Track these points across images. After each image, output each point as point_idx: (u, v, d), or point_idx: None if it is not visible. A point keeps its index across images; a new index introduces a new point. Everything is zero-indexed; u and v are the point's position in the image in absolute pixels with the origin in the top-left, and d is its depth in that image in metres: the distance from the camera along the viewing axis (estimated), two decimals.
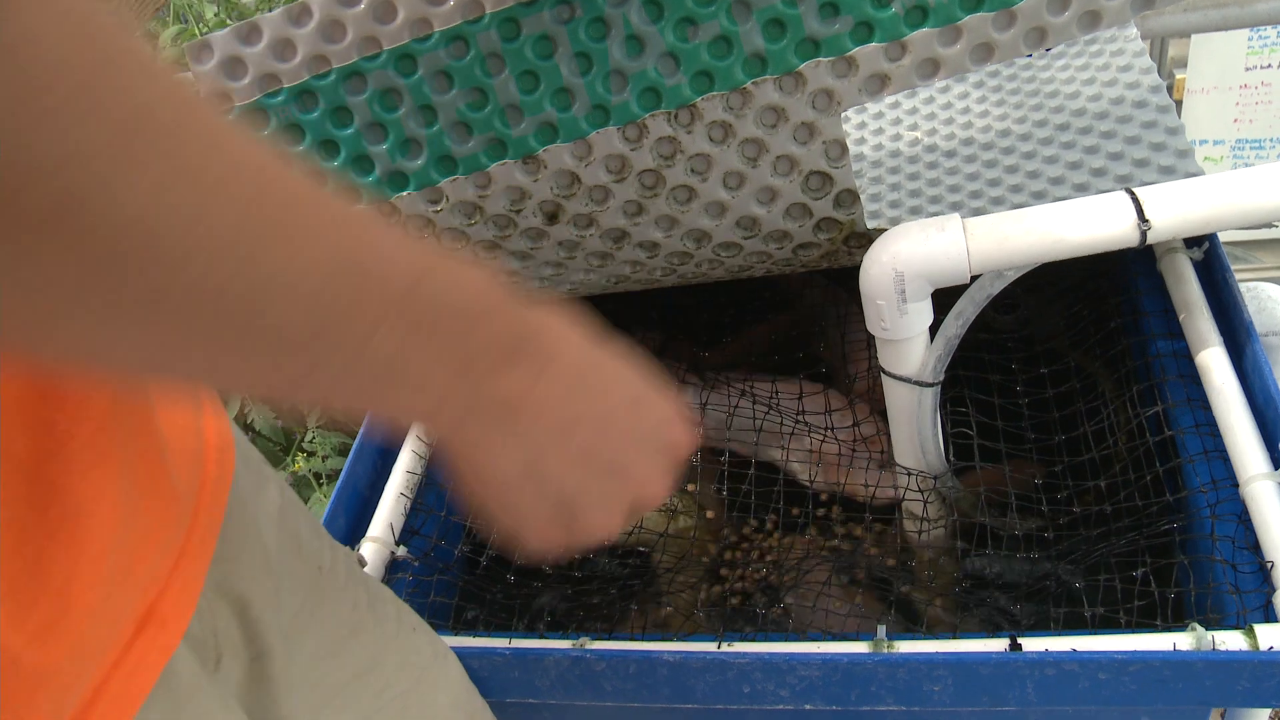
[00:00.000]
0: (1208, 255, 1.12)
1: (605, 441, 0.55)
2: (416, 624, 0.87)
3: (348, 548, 0.89)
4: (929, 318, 0.93)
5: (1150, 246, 1.13)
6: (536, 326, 0.53)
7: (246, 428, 1.80)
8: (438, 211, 0.99)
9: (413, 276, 0.45)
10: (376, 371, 0.44)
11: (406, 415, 0.52)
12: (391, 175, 0.97)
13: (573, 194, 0.98)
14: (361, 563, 1.01)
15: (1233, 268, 1.08)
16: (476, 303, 0.49)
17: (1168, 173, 1.01)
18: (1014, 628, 0.96)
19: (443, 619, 1.05)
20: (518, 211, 1.00)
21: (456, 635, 0.99)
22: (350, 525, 1.10)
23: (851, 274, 0.94)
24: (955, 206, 1.06)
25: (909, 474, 1.04)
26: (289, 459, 1.78)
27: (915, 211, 1.01)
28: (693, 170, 0.96)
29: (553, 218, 1.00)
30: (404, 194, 0.98)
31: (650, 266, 1.07)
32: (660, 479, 0.59)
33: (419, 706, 0.84)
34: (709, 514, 1.15)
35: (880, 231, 1.00)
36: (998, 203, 1.06)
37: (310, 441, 1.77)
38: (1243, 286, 1.10)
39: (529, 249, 1.04)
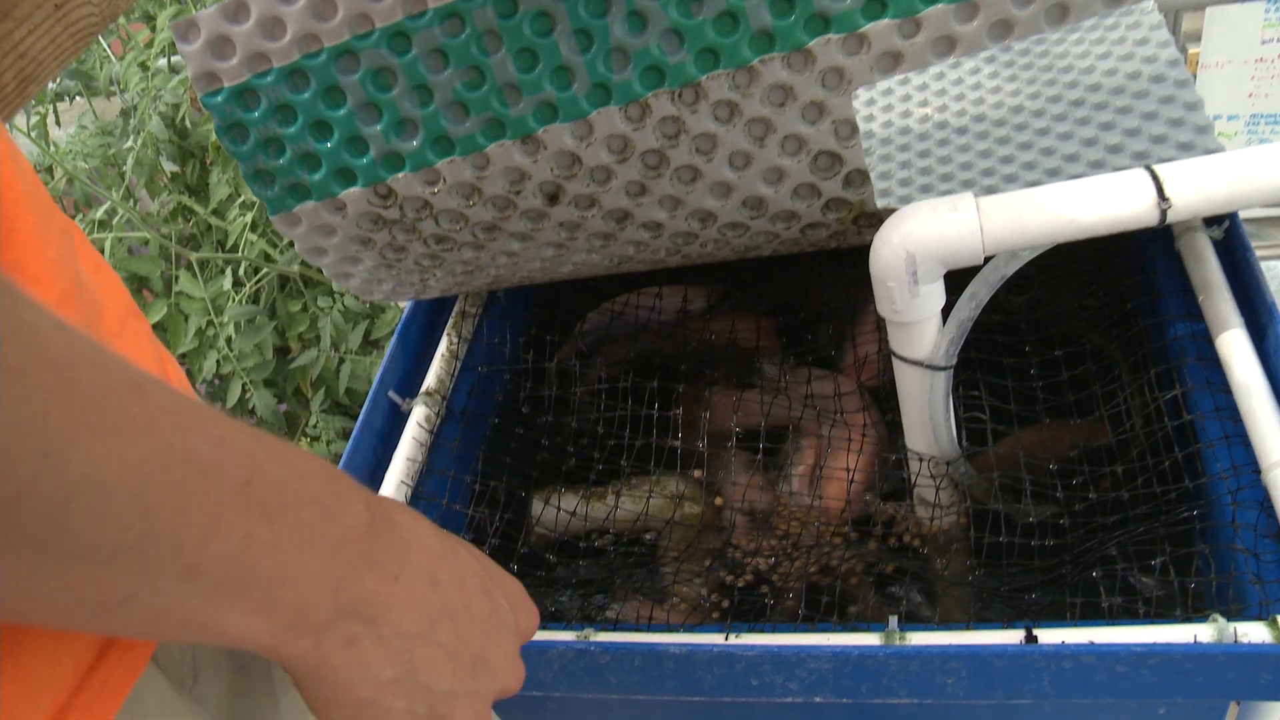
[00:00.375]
0: (1228, 234, 1.09)
1: (468, 635, 0.51)
2: None
3: None
4: (941, 300, 0.90)
5: (1168, 226, 1.09)
6: (387, 514, 0.49)
7: (248, 413, 1.78)
8: (435, 193, 0.97)
9: (251, 466, 0.40)
10: (221, 577, 0.38)
11: (262, 628, 0.42)
12: (387, 157, 0.94)
13: (574, 175, 0.95)
14: None
15: (1256, 244, 1.05)
16: (327, 489, 0.44)
17: (1186, 149, 0.98)
18: (1029, 618, 0.93)
19: None
20: (517, 193, 0.97)
21: None
22: None
23: (861, 254, 0.91)
24: (967, 185, 1.03)
25: (921, 459, 1.01)
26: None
27: (926, 190, 0.98)
28: (697, 150, 0.93)
29: (553, 199, 0.98)
30: (400, 176, 0.95)
31: (654, 247, 1.04)
32: (518, 667, 0.56)
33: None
34: (717, 501, 1.12)
35: (890, 211, 0.97)
36: (1011, 181, 1.03)
37: (314, 426, 1.75)
38: (1264, 266, 1.06)
39: (529, 230, 1.02)
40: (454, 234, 1.02)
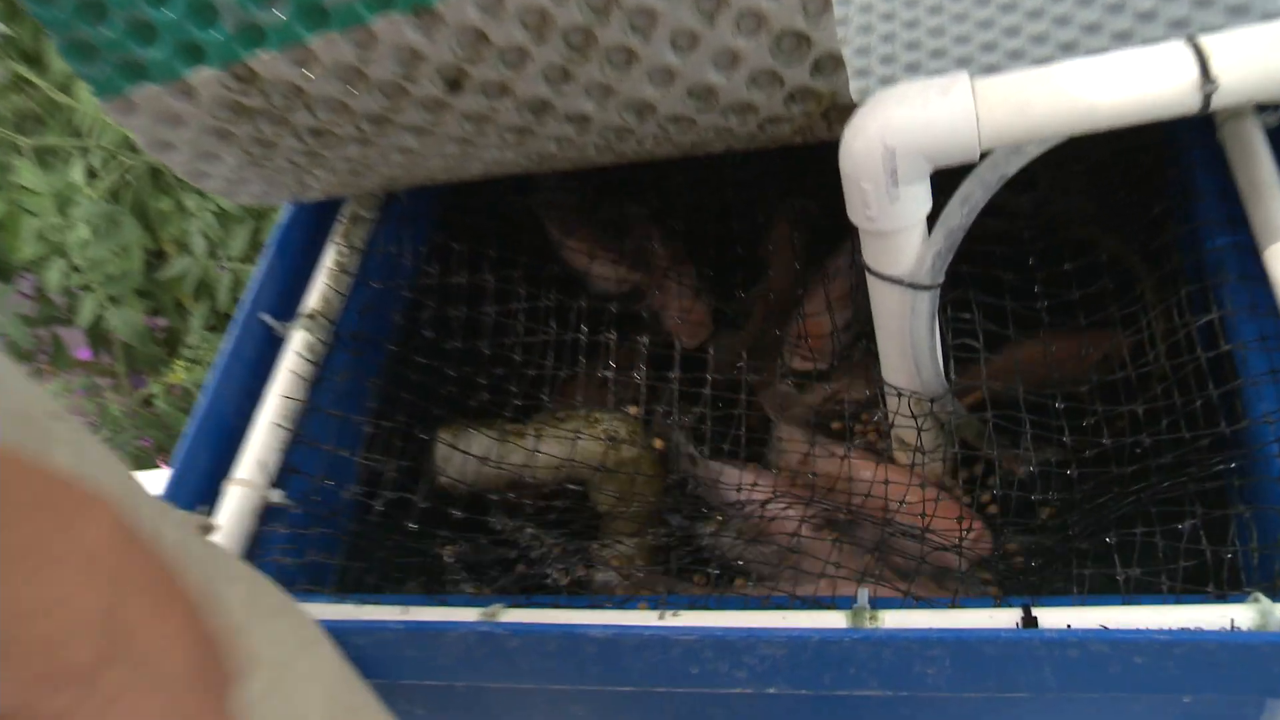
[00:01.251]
0: None
1: None
2: (279, 605, 0.77)
3: (184, 512, 0.77)
4: (927, 204, 0.83)
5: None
6: None
7: (101, 339, 1.66)
8: (308, 78, 0.87)
9: None
10: None
11: None
12: (245, 30, 0.84)
13: (480, 57, 0.86)
14: (206, 530, 0.89)
15: None
16: None
17: (1238, 13, 0.88)
18: (1028, 593, 0.85)
19: (323, 582, 0.93)
20: (411, 78, 0.88)
21: (338, 603, 0.88)
22: (214, 463, 0.98)
23: (831, 150, 0.82)
24: (963, 62, 0.93)
25: (900, 395, 0.92)
26: (166, 370, 1.65)
27: (913, 69, 0.89)
28: (632, 28, 0.84)
29: (455, 86, 0.88)
30: (262, 55, 0.85)
31: (581, 144, 0.95)
32: None
33: (279, 713, 0.74)
34: (658, 444, 1.03)
35: None
36: (1016, 58, 0.93)
37: (195, 348, 1.64)
38: None
39: (427, 123, 0.92)
40: (335, 128, 0.92)
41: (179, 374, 1.60)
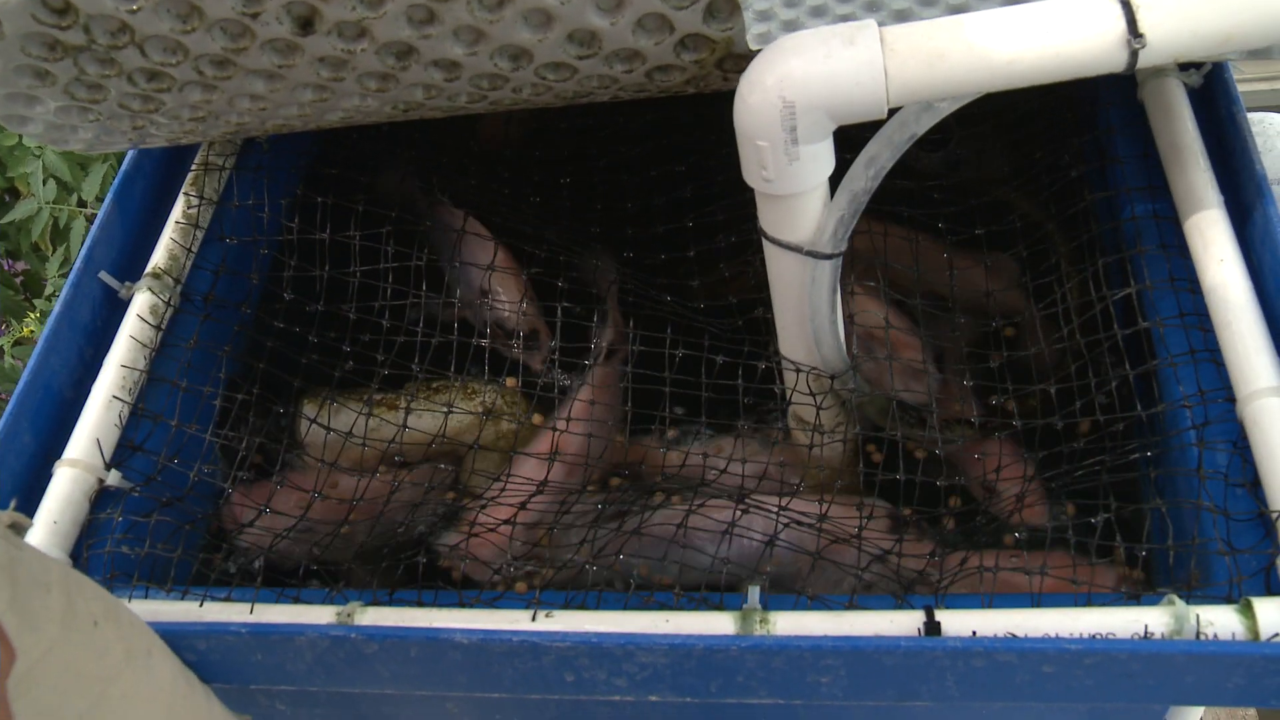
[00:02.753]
0: (1209, 80, 0.93)
1: None
2: (104, 612, 0.69)
3: None
4: (829, 166, 0.75)
5: None
6: None
7: None
8: (135, 11, 0.76)
9: None
10: None
11: None
12: None
13: None
14: (19, 529, 0.79)
15: (1255, 76, 0.89)
16: None
17: None
18: (929, 590, 0.79)
19: (164, 578, 0.84)
20: (254, 15, 0.79)
21: (177, 601, 0.79)
22: (41, 442, 0.89)
23: (726, 100, 0.74)
24: (871, 8, 0.85)
25: (798, 371, 0.85)
26: (17, 324, 1.52)
27: (817, 14, 0.80)
28: None
29: (306, 25, 0.80)
30: None
31: (451, 91, 0.86)
32: None
33: None
34: (536, 419, 0.94)
35: None
36: (929, 4, 0.85)
37: (50, 297, 1.51)
38: (1254, 118, 0.90)
39: (277, 67, 0.83)
40: (170, 69, 0.82)
41: (29, 327, 1.48)
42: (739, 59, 0.83)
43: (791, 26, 0.81)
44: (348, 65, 0.82)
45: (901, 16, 0.79)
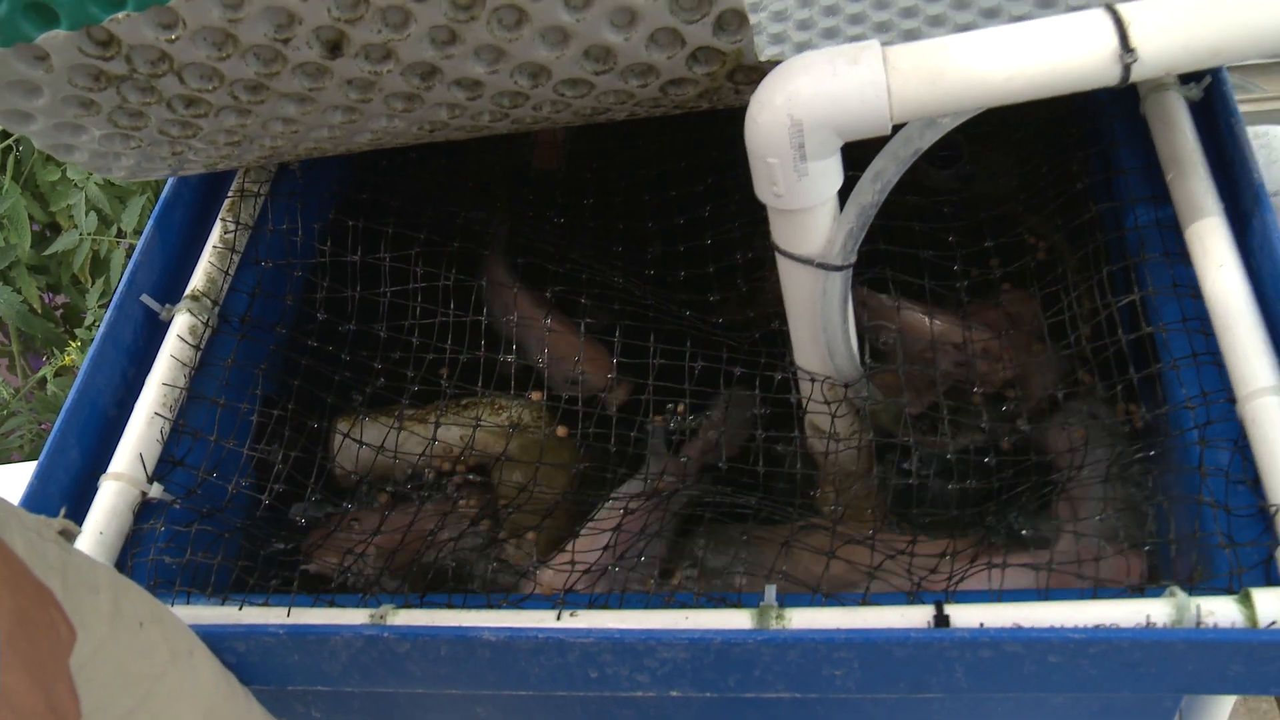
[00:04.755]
0: (1209, 94, 0.97)
1: None
2: (149, 614, 0.73)
3: (42, 516, 0.72)
4: (837, 180, 0.79)
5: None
6: None
7: None
8: (174, 41, 0.81)
9: None
10: None
11: None
12: None
13: (358, 17, 0.81)
14: (69, 536, 0.84)
15: (1254, 96, 0.92)
16: None
17: None
18: (941, 587, 0.82)
19: (204, 584, 0.88)
20: (286, 41, 0.83)
21: (218, 606, 0.83)
22: (88, 457, 0.94)
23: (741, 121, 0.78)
24: (881, 29, 0.89)
25: (813, 380, 0.89)
26: (59, 353, 1.58)
27: (829, 36, 0.84)
28: None
29: (335, 49, 0.84)
30: (121, 16, 0.79)
31: (474, 110, 0.90)
32: None
33: None
34: (561, 431, 0.99)
35: (777, 64, 0.83)
36: (937, 24, 0.89)
37: (90, 326, 1.58)
38: (1252, 131, 0.94)
39: (308, 90, 0.87)
40: (207, 96, 0.87)
41: (70, 356, 1.54)
42: (749, 70, 0.87)
43: (805, 29, 0.86)
44: (375, 86, 0.87)
45: (911, 37, 0.83)
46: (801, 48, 0.83)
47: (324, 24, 0.81)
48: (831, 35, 0.86)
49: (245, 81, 0.86)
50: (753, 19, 0.82)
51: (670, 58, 0.85)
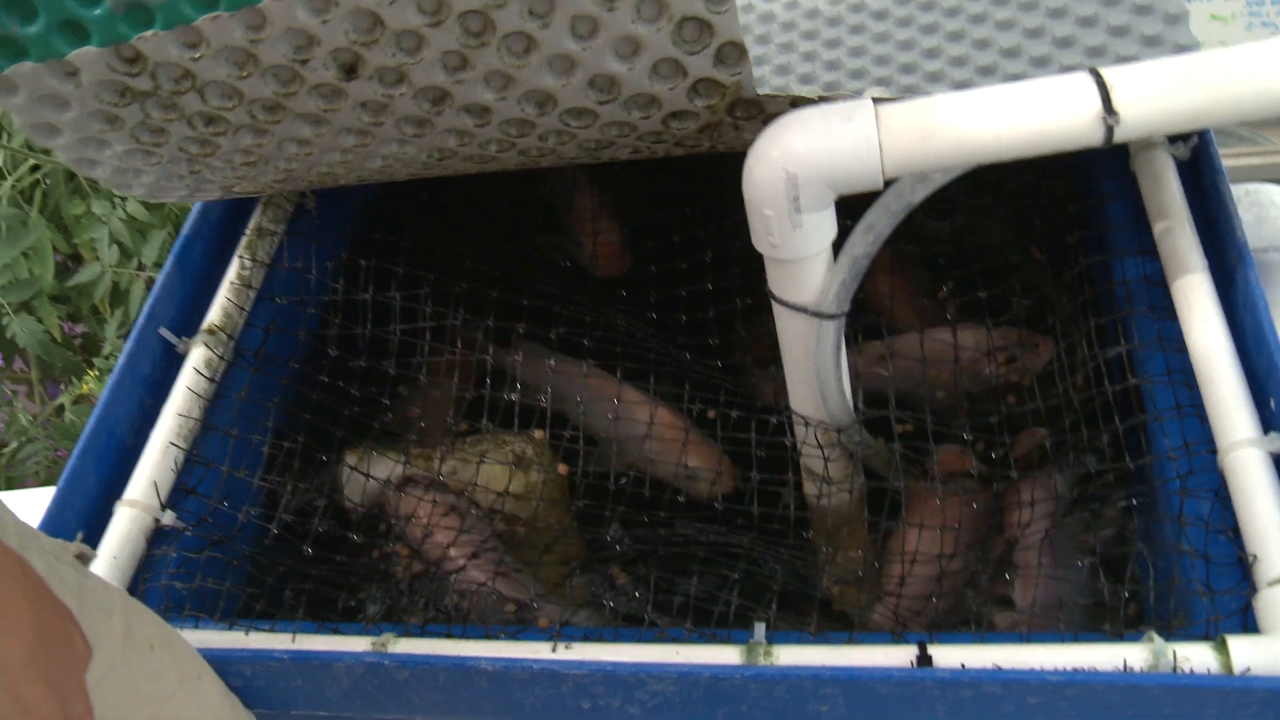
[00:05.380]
0: (1196, 153, 1.00)
1: None
2: (159, 637, 0.76)
3: (60, 540, 0.75)
4: (831, 232, 0.81)
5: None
6: None
7: (14, 347, 1.63)
8: (198, 60, 0.85)
9: None
10: None
11: None
12: (130, 8, 0.81)
13: (375, 40, 0.84)
14: (84, 559, 0.87)
15: (1237, 151, 0.95)
16: None
17: (1152, 44, 0.89)
18: (925, 628, 0.85)
19: (213, 610, 0.91)
20: (304, 62, 0.86)
21: (225, 630, 0.86)
22: (104, 483, 0.97)
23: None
24: (882, 84, 0.92)
25: (807, 424, 0.91)
26: (77, 382, 1.62)
27: (831, 84, 0.88)
28: (531, 13, 0.82)
29: (351, 72, 0.86)
30: (149, 34, 0.82)
31: (481, 138, 0.93)
32: None
33: None
34: (562, 469, 1.02)
35: (775, 99, 0.87)
36: (935, 81, 0.93)
37: (109, 356, 1.62)
38: (1238, 190, 0.97)
39: (322, 112, 0.90)
40: (227, 114, 0.90)
41: (88, 385, 1.58)
42: (748, 104, 0.89)
43: (808, 80, 0.89)
44: (387, 110, 0.89)
45: (909, 90, 0.86)
46: (802, 81, 0.86)
47: (341, 46, 0.83)
48: (831, 85, 0.89)
49: (264, 101, 0.89)
50: (752, 53, 0.85)
51: (672, 89, 0.87)
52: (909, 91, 0.90)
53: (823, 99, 0.85)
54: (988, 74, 0.94)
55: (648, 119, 0.92)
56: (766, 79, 0.85)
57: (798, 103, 0.89)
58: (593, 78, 0.87)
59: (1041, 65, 0.93)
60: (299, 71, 0.87)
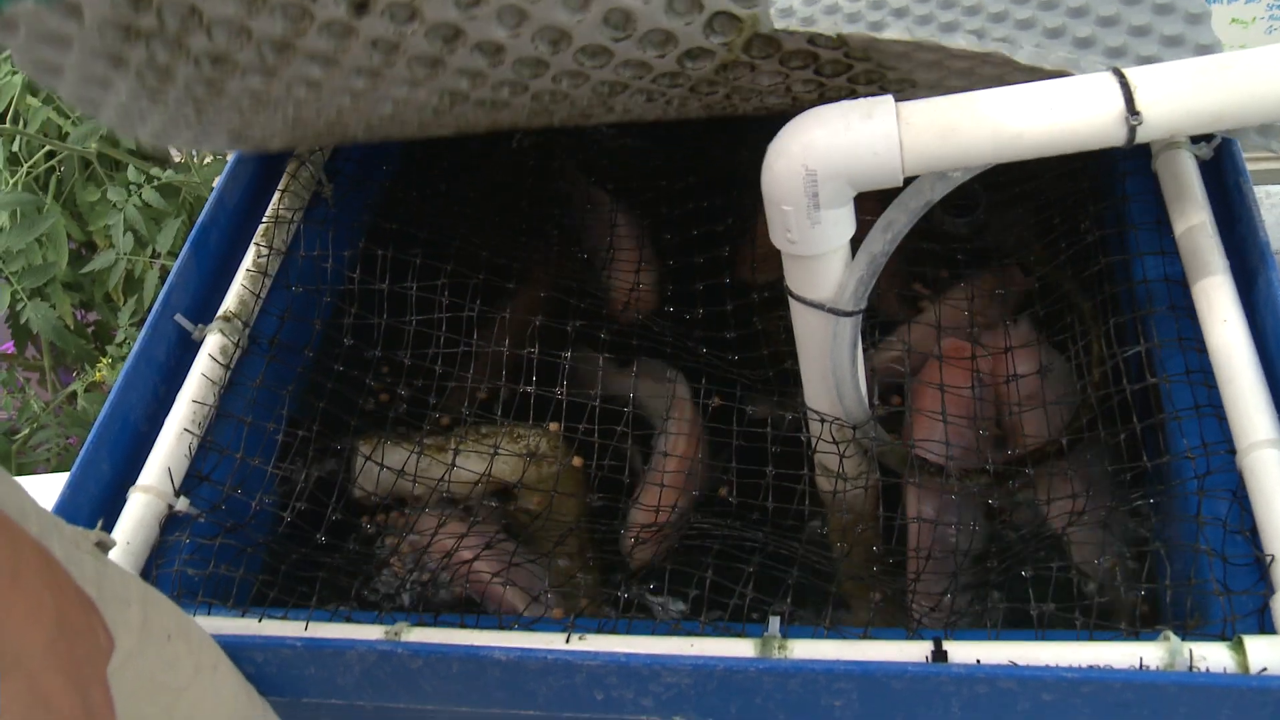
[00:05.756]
0: (1219, 153, 1.00)
1: None
2: (176, 627, 0.76)
3: (77, 528, 0.76)
4: (849, 229, 0.81)
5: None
6: None
7: (27, 333, 1.63)
8: None
9: None
10: None
11: None
12: None
13: None
14: (104, 548, 0.88)
15: (1262, 155, 0.95)
16: None
17: (1173, 44, 0.89)
18: (941, 624, 0.85)
19: (226, 596, 0.92)
20: None
21: (239, 618, 0.87)
22: (118, 470, 0.97)
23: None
24: (899, 15, 0.90)
25: (822, 421, 0.92)
26: (89, 369, 1.62)
27: (830, 11, 0.86)
28: None
29: (361, 8, 0.85)
30: None
31: (494, 79, 0.92)
32: None
33: None
34: (576, 461, 1.02)
35: (793, 35, 0.86)
36: (949, 30, 0.91)
37: (122, 344, 1.62)
38: (1260, 192, 0.97)
39: (332, 51, 0.89)
40: (234, 54, 0.89)
41: (100, 372, 1.59)
42: (765, 42, 0.88)
43: (814, 4, 0.87)
44: (398, 49, 0.88)
45: (922, 22, 0.85)
46: (808, 22, 0.85)
47: None
48: (831, 11, 0.87)
49: (272, 40, 0.87)
50: None
51: (688, 24, 0.87)
52: (924, 23, 0.88)
53: (840, 37, 0.84)
54: (998, 21, 0.92)
55: (663, 57, 0.91)
56: (786, 15, 0.84)
57: (815, 40, 0.88)
58: (607, 13, 0.86)
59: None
60: (308, 8, 0.85)
